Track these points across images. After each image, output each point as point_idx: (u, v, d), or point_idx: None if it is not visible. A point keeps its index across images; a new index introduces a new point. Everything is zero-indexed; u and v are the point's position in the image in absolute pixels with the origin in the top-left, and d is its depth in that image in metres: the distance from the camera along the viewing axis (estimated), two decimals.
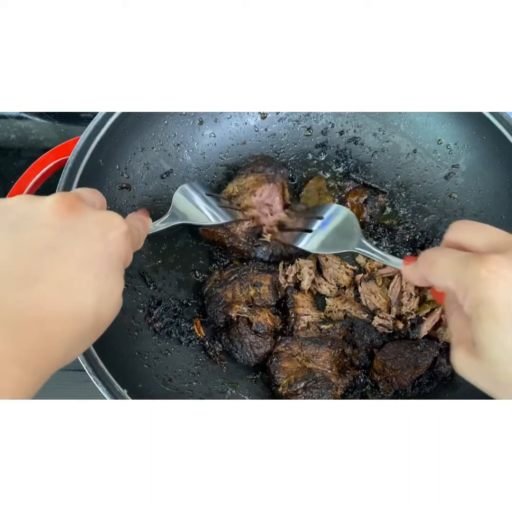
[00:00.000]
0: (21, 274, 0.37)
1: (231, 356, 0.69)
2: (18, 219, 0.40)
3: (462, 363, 0.43)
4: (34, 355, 0.36)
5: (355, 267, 0.74)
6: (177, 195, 0.70)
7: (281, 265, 0.74)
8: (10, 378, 0.35)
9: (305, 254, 0.74)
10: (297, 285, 0.74)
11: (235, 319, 0.69)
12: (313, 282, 0.74)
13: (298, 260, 0.74)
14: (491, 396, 0.42)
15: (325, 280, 0.74)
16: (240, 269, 0.72)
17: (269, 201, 0.76)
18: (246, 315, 0.69)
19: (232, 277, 0.71)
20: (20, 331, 0.35)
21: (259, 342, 0.68)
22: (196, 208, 0.70)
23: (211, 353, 0.69)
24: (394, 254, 0.77)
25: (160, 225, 0.65)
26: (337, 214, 0.71)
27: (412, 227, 0.78)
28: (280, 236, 0.74)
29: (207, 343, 0.69)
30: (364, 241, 0.67)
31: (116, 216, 0.44)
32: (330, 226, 0.70)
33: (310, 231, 0.70)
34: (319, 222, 0.71)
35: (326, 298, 0.74)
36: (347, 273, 0.74)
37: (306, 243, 0.70)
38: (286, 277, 0.73)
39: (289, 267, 0.74)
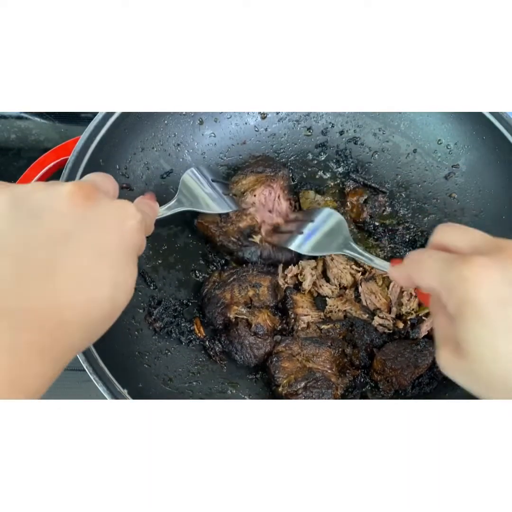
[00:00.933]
0: (39, 264, 0.37)
1: (231, 358, 0.69)
2: (35, 208, 0.40)
3: (447, 362, 0.43)
4: (52, 343, 0.37)
5: (361, 268, 0.74)
6: (185, 178, 0.71)
7: (280, 266, 0.74)
8: (32, 367, 0.35)
9: (291, 261, 0.74)
10: (296, 286, 0.74)
11: (234, 320, 0.69)
12: (314, 284, 0.74)
13: (300, 262, 0.74)
14: (476, 396, 0.42)
15: (328, 281, 0.74)
16: (240, 270, 0.72)
17: (270, 202, 0.76)
18: (245, 317, 0.69)
19: (231, 279, 0.71)
20: (39, 320, 0.36)
21: (259, 343, 0.68)
22: (203, 193, 0.71)
23: (211, 353, 0.69)
24: (394, 254, 0.77)
25: (165, 210, 0.65)
26: (330, 218, 0.73)
27: (412, 227, 0.78)
28: (272, 238, 0.74)
29: (207, 343, 0.69)
30: (353, 244, 0.69)
31: (131, 206, 0.44)
32: (322, 230, 0.72)
33: (301, 233, 0.71)
34: (310, 225, 0.72)
35: (326, 299, 0.74)
36: (351, 274, 0.74)
37: (297, 245, 0.71)
38: (285, 277, 0.73)
39: (290, 267, 0.74)
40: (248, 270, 0.71)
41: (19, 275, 0.36)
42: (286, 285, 0.73)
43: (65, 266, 0.38)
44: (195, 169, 0.72)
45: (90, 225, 0.40)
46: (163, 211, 0.65)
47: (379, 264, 0.64)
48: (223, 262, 0.75)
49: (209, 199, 0.71)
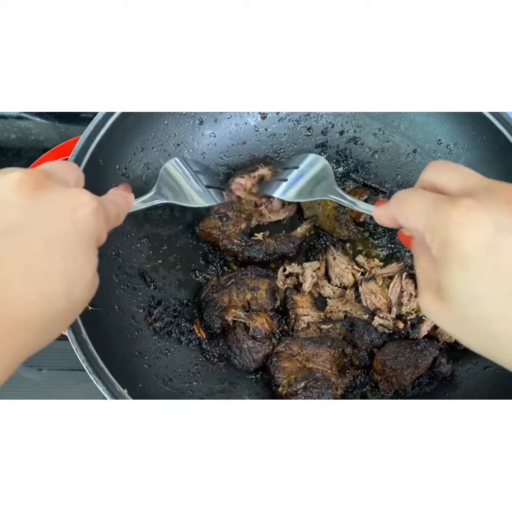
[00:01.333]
0: None
1: (230, 362, 0.69)
2: None
3: (429, 306, 0.42)
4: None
5: (361, 269, 0.74)
6: (168, 166, 0.66)
7: (281, 269, 0.74)
8: None
9: (297, 251, 0.74)
10: (296, 287, 0.74)
11: (232, 324, 0.69)
12: (316, 284, 0.74)
13: (304, 263, 0.74)
14: (459, 341, 0.42)
15: (329, 280, 0.74)
16: (238, 273, 0.71)
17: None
18: (243, 320, 0.69)
19: (229, 282, 0.71)
20: None
21: (258, 347, 0.68)
22: (187, 185, 0.66)
23: (207, 356, 0.69)
24: (394, 254, 0.77)
25: (139, 204, 0.59)
26: (315, 164, 0.71)
27: None
28: (258, 189, 0.73)
29: (204, 345, 0.69)
30: (337, 189, 0.67)
31: (85, 193, 0.42)
32: (307, 176, 0.70)
33: (285, 180, 0.70)
34: (295, 171, 0.70)
35: (327, 299, 0.74)
36: (352, 274, 0.74)
37: (283, 192, 0.69)
38: (286, 277, 0.73)
39: (292, 265, 0.74)
40: (246, 274, 0.71)
41: None
42: (286, 285, 0.73)
43: (11, 257, 0.37)
44: (179, 159, 0.68)
45: (38, 214, 0.39)
46: (138, 204, 0.59)
47: (364, 207, 0.62)
48: (223, 262, 0.75)
49: (192, 191, 0.66)
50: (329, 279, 0.75)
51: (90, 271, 0.41)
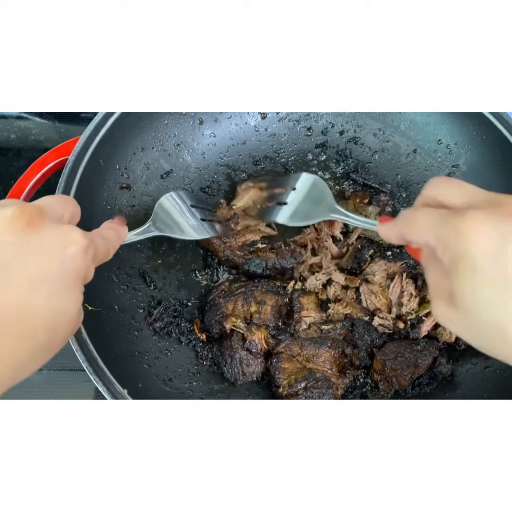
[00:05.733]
0: None
1: (219, 369, 0.68)
2: None
3: (443, 314, 0.44)
4: None
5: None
6: (162, 201, 0.69)
7: (291, 283, 0.73)
8: None
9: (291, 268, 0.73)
10: (304, 290, 0.73)
11: (229, 332, 0.69)
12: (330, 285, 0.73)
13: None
14: (475, 347, 0.43)
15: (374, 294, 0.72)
16: (249, 284, 0.71)
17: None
18: (241, 330, 0.68)
19: (239, 291, 0.70)
20: None
21: (250, 360, 0.67)
22: (181, 218, 0.69)
23: (200, 359, 0.69)
24: (394, 254, 0.77)
25: (133, 236, 0.62)
26: (310, 182, 0.70)
27: None
28: (255, 212, 0.72)
29: (198, 348, 0.69)
30: (338, 207, 0.67)
31: (76, 231, 0.42)
32: (306, 197, 0.69)
33: (284, 203, 0.69)
34: (292, 193, 0.69)
35: (328, 303, 0.73)
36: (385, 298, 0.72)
37: (285, 217, 0.68)
38: (298, 278, 0.73)
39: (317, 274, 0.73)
40: (257, 286, 0.71)
41: None
42: (293, 288, 0.73)
43: None
44: (174, 194, 0.70)
45: (28, 252, 0.39)
46: (131, 237, 0.62)
47: (367, 223, 0.62)
48: (221, 268, 0.74)
49: (186, 225, 0.68)
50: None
51: (74, 309, 0.42)
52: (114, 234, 0.53)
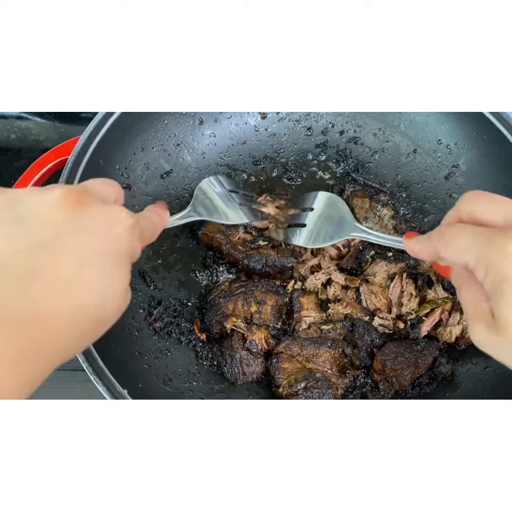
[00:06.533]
0: (21, 270, 0.37)
1: (219, 369, 0.68)
2: (24, 212, 0.39)
3: (482, 336, 0.42)
4: (33, 353, 0.36)
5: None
6: (203, 185, 0.69)
7: (291, 283, 0.73)
8: (8, 377, 0.35)
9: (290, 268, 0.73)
10: (304, 290, 0.73)
11: (230, 332, 0.69)
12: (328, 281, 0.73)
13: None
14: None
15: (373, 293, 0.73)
16: (249, 284, 0.71)
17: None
18: (241, 330, 0.68)
19: (239, 291, 0.70)
20: (19, 329, 0.35)
21: (250, 360, 0.67)
22: (221, 202, 0.69)
23: (200, 359, 0.69)
24: (393, 254, 0.77)
25: (175, 221, 0.63)
26: (328, 201, 0.70)
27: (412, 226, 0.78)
28: (275, 234, 0.73)
29: (198, 348, 0.69)
30: (358, 225, 0.66)
31: (122, 211, 0.43)
32: (325, 217, 0.68)
33: (303, 225, 0.69)
34: (311, 214, 0.69)
35: (328, 304, 0.73)
36: (386, 298, 0.72)
37: (305, 239, 0.68)
38: (298, 278, 0.73)
39: (317, 274, 0.73)
40: (257, 286, 0.71)
41: None
42: (292, 288, 0.73)
43: (48, 272, 0.37)
44: (213, 178, 0.71)
45: (77, 230, 0.40)
46: (173, 221, 0.63)
47: (391, 240, 0.60)
48: (221, 268, 0.74)
49: (227, 209, 0.69)
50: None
51: (122, 287, 0.42)
52: (158, 217, 0.53)
